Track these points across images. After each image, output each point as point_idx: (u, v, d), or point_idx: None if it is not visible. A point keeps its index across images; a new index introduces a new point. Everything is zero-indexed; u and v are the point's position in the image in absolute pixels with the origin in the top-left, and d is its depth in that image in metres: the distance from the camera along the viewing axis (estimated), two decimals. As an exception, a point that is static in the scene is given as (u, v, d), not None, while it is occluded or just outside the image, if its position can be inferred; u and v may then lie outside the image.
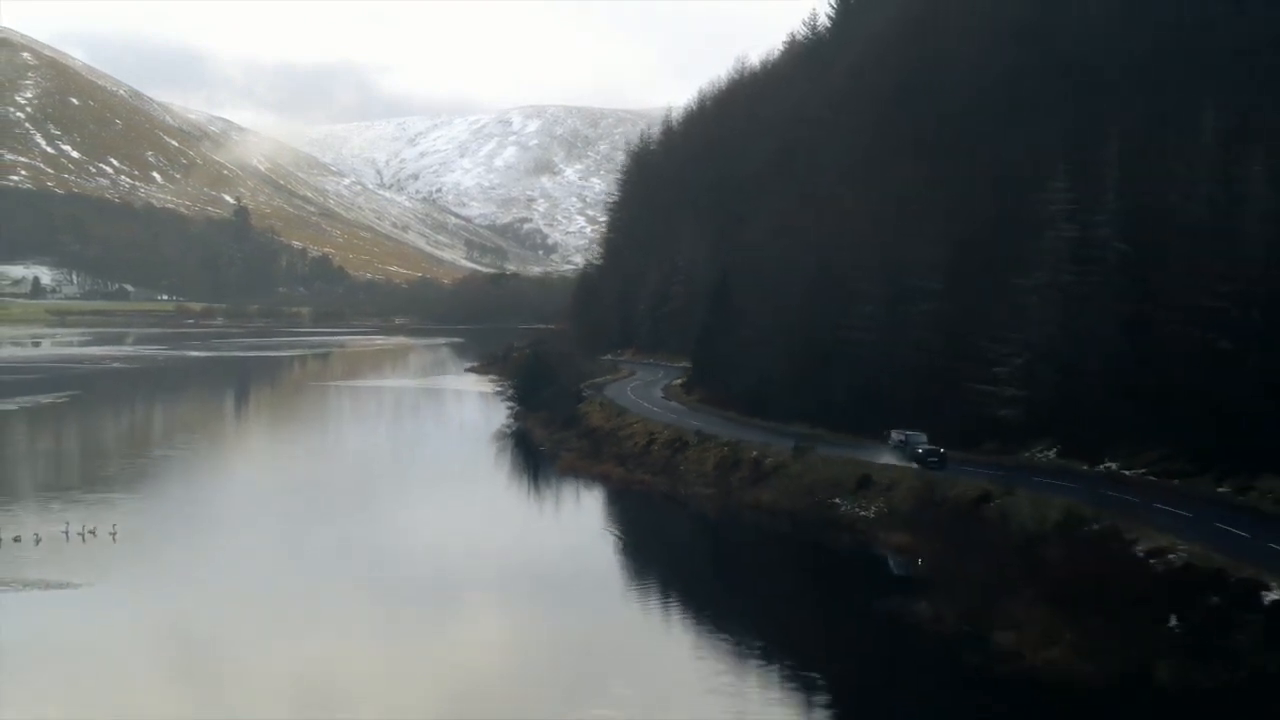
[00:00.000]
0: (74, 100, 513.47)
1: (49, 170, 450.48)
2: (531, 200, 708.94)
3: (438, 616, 42.26)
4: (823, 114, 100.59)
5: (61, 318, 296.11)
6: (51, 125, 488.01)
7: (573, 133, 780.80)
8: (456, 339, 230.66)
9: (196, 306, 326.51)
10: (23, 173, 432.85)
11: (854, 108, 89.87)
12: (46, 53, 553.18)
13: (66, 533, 50.16)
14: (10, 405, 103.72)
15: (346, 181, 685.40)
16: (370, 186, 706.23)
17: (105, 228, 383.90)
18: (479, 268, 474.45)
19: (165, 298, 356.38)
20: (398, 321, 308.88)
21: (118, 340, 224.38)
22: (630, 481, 65.53)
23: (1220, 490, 49.11)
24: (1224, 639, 32.07)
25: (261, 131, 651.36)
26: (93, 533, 50.27)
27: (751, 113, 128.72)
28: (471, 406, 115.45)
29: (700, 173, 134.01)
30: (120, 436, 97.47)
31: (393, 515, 62.08)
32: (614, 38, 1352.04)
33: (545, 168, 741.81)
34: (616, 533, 59.18)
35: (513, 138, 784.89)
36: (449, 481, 74.55)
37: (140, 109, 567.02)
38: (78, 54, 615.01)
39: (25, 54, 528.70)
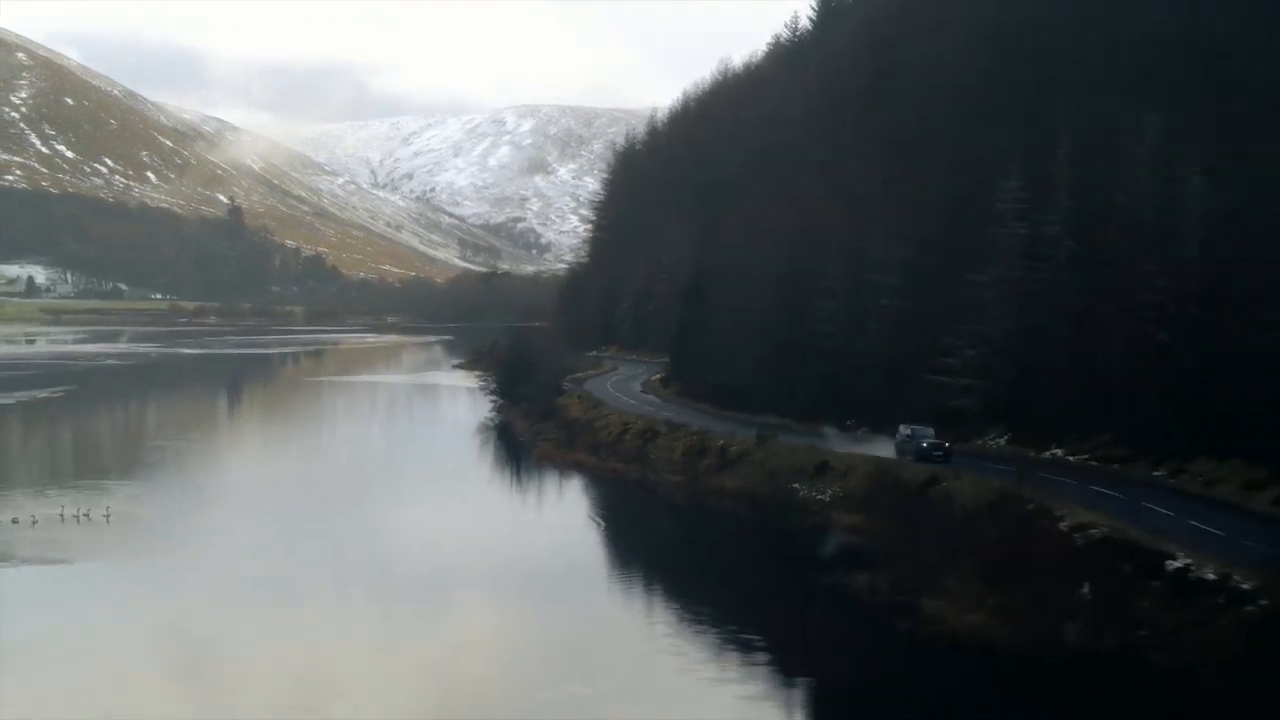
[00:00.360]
0: (69, 100, 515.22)
1: (44, 170, 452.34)
2: (525, 200, 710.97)
3: (405, 590, 44.94)
4: (798, 116, 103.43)
5: (56, 316, 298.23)
6: (46, 125, 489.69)
7: (566, 132, 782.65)
8: (447, 337, 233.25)
9: (190, 305, 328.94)
10: (18, 172, 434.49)
11: (825, 110, 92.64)
12: (41, 53, 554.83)
13: (62, 515, 52.86)
14: (7, 399, 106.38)
15: (340, 181, 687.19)
16: (364, 186, 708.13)
17: (100, 227, 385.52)
18: (473, 267, 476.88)
19: (159, 296, 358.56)
20: (390, 320, 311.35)
21: (112, 338, 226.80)
22: (602, 469, 68.44)
23: (1155, 474, 51.90)
24: (1127, 603, 34.82)
25: (256, 131, 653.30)
26: (87, 515, 52.97)
27: (733, 114, 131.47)
28: (456, 401, 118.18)
29: (683, 173, 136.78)
30: (114, 429, 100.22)
31: (373, 497, 65.32)
32: (608, 37, 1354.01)
33: (539, 167, 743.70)
34: (585, 516, 62.13)
35: (506, 137, 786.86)
36: (430, 470, 77.86)
37: (135, 109, 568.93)
38: (72, 54, 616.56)
39: (20, 54, 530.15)
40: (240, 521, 57.26)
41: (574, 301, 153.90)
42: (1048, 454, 57.57)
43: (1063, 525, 41.83)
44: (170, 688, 34.18)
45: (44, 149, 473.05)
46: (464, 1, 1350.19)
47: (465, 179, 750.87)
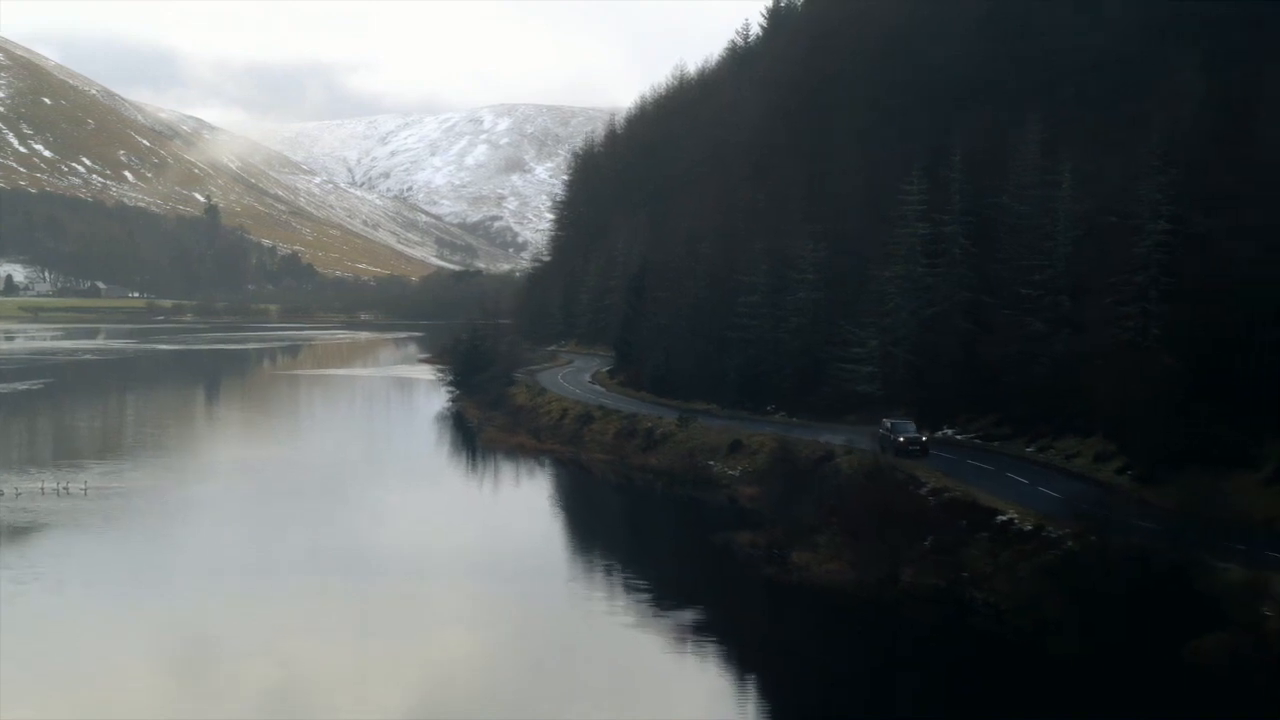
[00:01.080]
0: (46, 100, 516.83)
1: (21, 169, 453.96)
2: (502, 198, 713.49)
3: (346, 543, 50.79)
4: (741, 121, 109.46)
5: (34, 314, 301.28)
6: (24, 125, 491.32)
7: (543, 131, 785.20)
8: (418, 334, 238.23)
9: (166, 303, 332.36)
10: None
11: (762, 116, 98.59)
12: (19, 52, 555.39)
13: (42, 489, 58.45)
14: None
15: (318, 180, 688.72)
16: (342, 185, 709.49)
17: (78, 226, 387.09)
18: (449, 265, 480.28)
19: (137, 295, 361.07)
20: (364, 318, 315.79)
21: (89, 335, 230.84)
22: (541, 450, 74.32)
23: (1028, 450, 57.84)
24: (957, 551, 40.73)
25: (233, 130, 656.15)
26: (66, 489, 58.54)
27: (685, 118, 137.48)
28: (416, 392, 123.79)
29: (639, 174, 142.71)
30: (91, 416, 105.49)
31: (329, 472, 72.37)
32: (586, 36, 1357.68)
33: (516, 166, 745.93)
34: (519, 491, 68.23)
35: (483, 136, 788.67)
36: (383, 450, 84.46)
37: (112, 108, 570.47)
38: (49, 52, 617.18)
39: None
40: (208, 493, 63.52)
41: (536, 298, 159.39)
42: (940, 433, 63.38)
43: (923, 490, 47.75)
44: (128, 625, 39.70)
45: (21, 148, 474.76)
46: (440, 1, 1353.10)
47: (442, 178, 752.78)
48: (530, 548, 52.67)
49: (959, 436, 62.85)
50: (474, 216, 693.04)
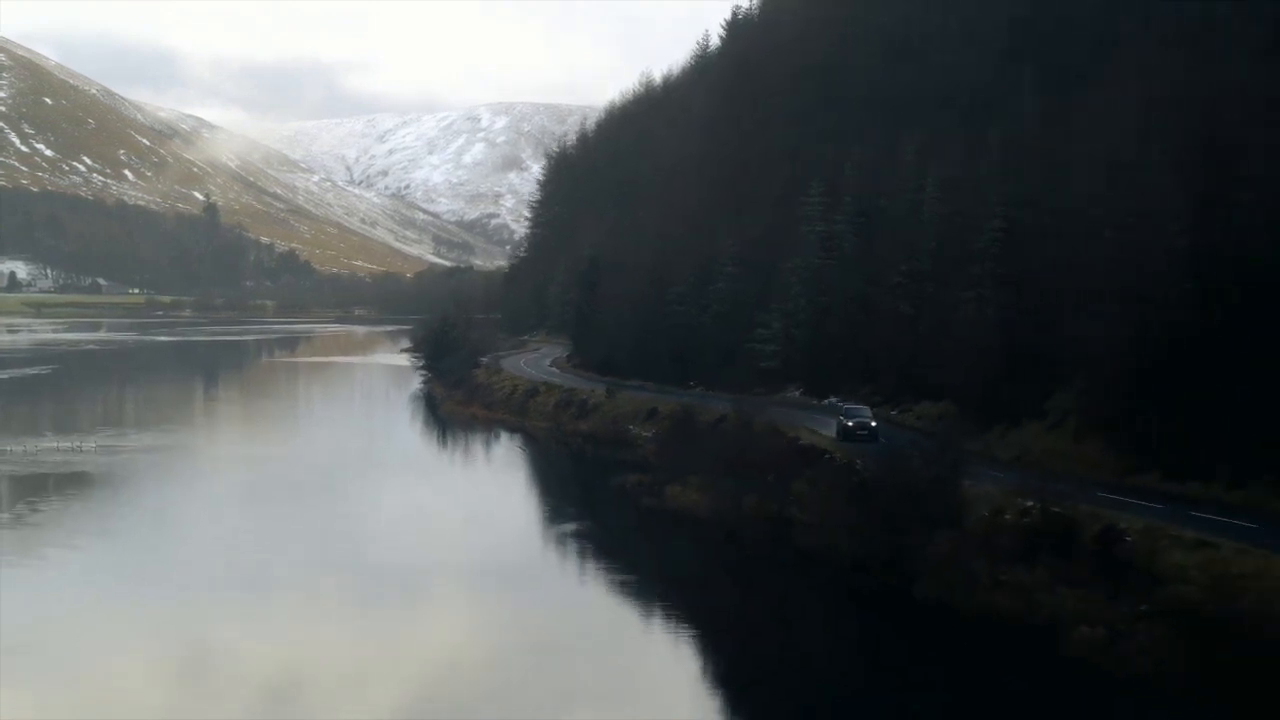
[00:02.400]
0: (48, 100, 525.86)
1: (23, 168, 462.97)
2: (499, 196, 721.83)
3: (315, 486, 61.55)
4: (690, 128, 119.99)
5: (37, 309, 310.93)
6: (26, 124, 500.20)
7: (540, 129, 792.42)
8: (408, 327, 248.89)
9: (166, 299, 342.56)
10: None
11: (702, 126, 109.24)
12: (20, 53, 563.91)
13: (57, 448, 69.07)
14: (6, 375, 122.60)
15: (316, 178, 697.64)
16: (340, 183, 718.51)
17: (79, 224, 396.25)
18: (446, 262, 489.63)
19: (137, 291, 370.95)
20: (358, 312, 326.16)
21: (91, 328, 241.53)
22: (491, 419, 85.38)
23: (892, 413, 68.29)
24: (789, 483, 51.23)
25: (232, 129, 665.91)
26: (79, 448, 69.27)
27: (647, 124, 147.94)
28: (394, 375, 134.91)
29: (606, 176, 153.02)
30: (97, 393, 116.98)
31: (306, 435, 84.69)
32: (581, 35, 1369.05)
33: (513, 164, 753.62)
34: (466, 450, 79.52)
35: (481, 134, 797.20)
36: (357, 419, 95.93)
37: (112, 108, 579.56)
38: (47, 51, 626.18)
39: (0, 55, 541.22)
40: (201, 447, 74.76)
41: (513, 293, 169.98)
42: (826, 401, 73.92)
43: (786, 439, 58.26)
44: (122, 551, 50.21)
45: (23, 148, 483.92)
46: (437, 1, 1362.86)
47: (440, 176, 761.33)
48: (469, 492, 63.68)
49: (840, 403, 73.23)
50: (471, 214, 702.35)
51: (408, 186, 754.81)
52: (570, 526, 53.69)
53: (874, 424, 58.48)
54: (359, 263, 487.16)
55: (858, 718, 30.46)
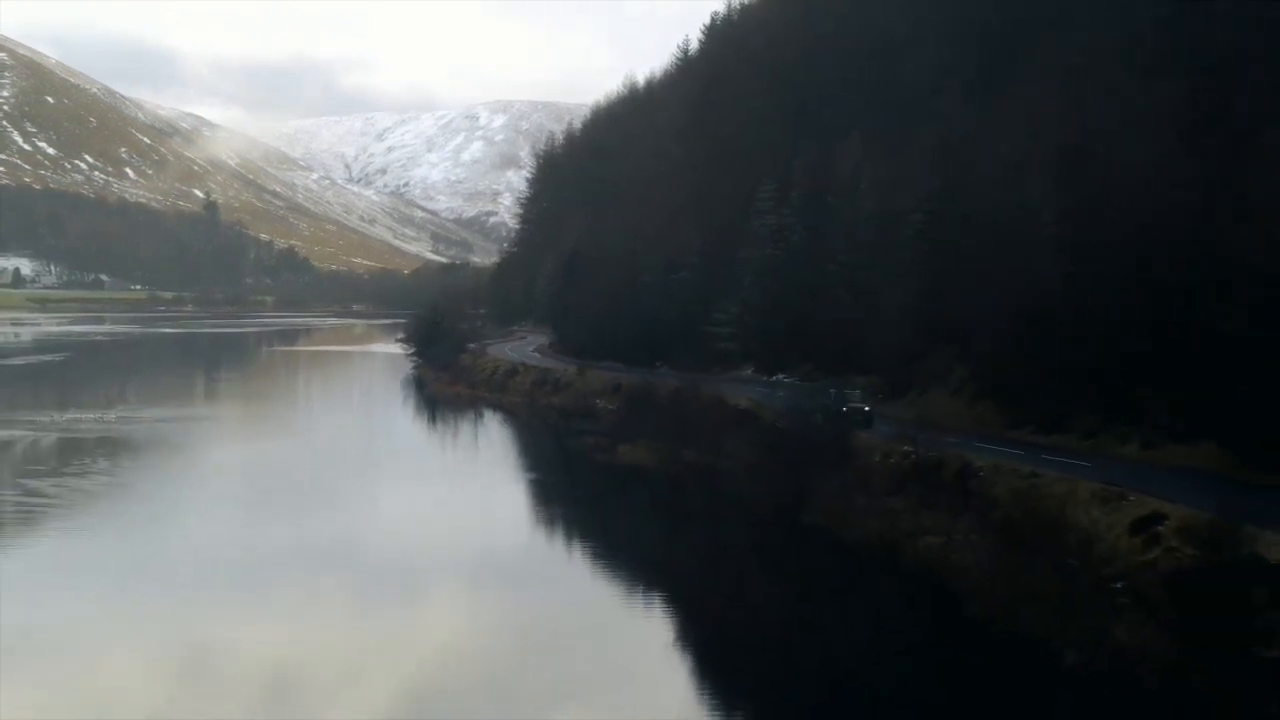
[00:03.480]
0: (49, 99, 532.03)
1: (26, 167, 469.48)
2: (497, 194, 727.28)
3: (314, 453, 69.64)
4: (667, 130, 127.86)
5: (42, 305, 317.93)
6: (28, 123, 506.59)
7: (538, 128, 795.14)
8: (404, 320, 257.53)
9: (168, 295, 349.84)
10: (1, 169, 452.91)
11: (671, 128, 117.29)
12: (22, 52, 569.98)
13: (80, 419, 77.26)
14: (19, 361, 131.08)
15: (315, 176, 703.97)
16: (339, 181, 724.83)
17: (81, 222, 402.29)
18: (444, 259, 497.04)
19: (138, 287, 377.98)
20: (355, 307, 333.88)
21: (96, 322, 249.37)
22: (474, 396, 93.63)
23: (831, 390, 76.19)
24: (720, 438, 59.23)
25: (232, 127, 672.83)
26: (104, 418, 77.49)
27: (630, 124, 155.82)
28: (388, 361, 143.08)
29: (591, 174, 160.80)
30: (111, 376, 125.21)
31: (305, 408, 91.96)
32: (578, 33, 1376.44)
33: (511, 162, 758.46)
34: (450, 423, 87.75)
35: (479, 133, 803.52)
36: (352, 399, 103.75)
37: (113, 106, 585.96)
38: (47, 49, 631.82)
39: (1, 54, 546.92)
40: (212, 419, 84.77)
41: (504, 286, 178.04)
42: (774, 378, 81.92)
43: (724, 405, 66.28)
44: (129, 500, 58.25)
45: (26, 146, 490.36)
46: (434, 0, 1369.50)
47: (439, 174, 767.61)
48: (447, 450, 72.08)
49: (785, 379, 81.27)
50: (470, 212, 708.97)
51: (406, 184, 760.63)
52: (533, 476, 62.78)
53: (868, 408, 57.66)
54: (357, 260, 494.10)
55: (752, 613, 38.16)
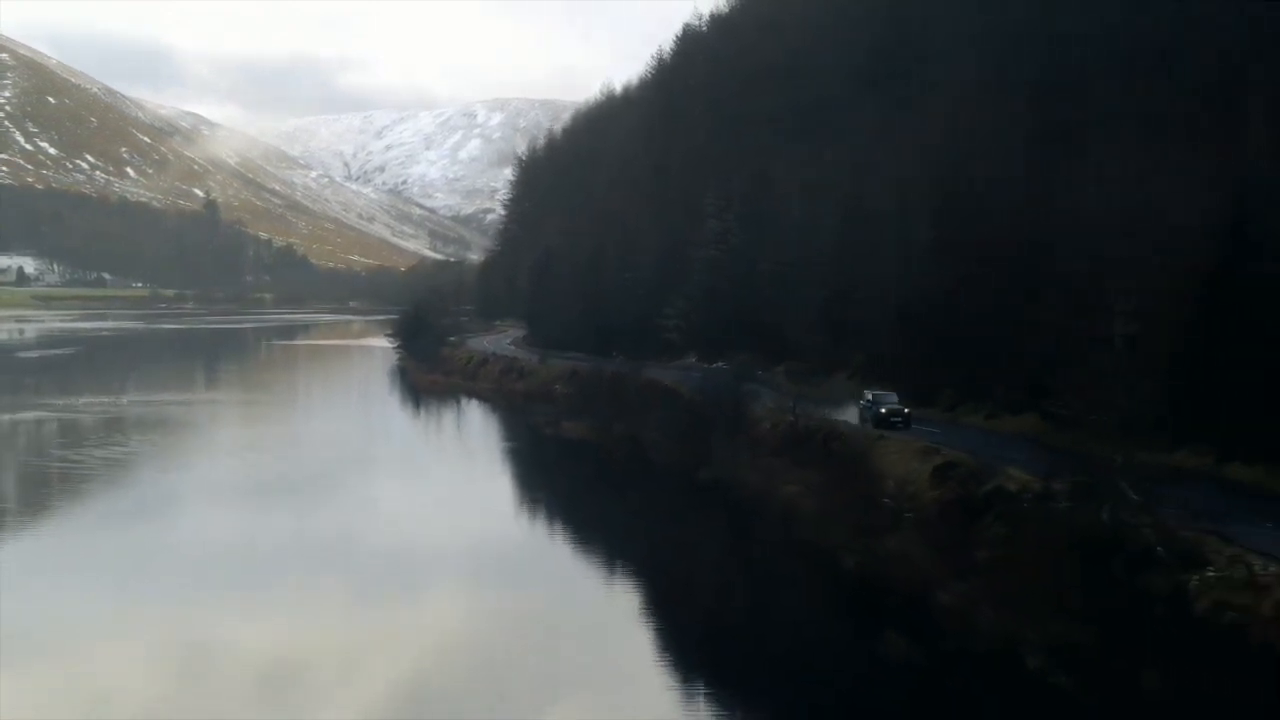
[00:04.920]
0: (50, 99, 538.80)
1: (28, 166, 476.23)
2: (495, 191, 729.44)
3: (303, 424, 79.39)
4: (638, 139, 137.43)
5: (46, 303, 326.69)
6: (30, 123, 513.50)
7: (536, 125, 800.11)
8: (397, 317, 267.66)
9: (168, 292, 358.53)
10: (3, 169, 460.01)
11: (636, 135, 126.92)
12: (23, 52, 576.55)
13: (94, 403, 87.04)
14: (32, 354, 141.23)
15: (314, 174, 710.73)
16: (338, 179, 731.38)
17: (83, 221, 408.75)
18: (440, 257, 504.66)
19: (140, 285, 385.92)
20: (352, 304, 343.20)
21: (100, 318, 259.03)
22: (448, 384, 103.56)
23: (758, 373, 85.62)
24: (648, 412, 68.81)
25: (231, 126, 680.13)
26: (117, 401, 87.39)
27: (606, 129, 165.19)
28: (376, 354, 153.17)
29: (569, 176, 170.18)
30: (119, 365, 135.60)
31: (298, 392, 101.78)
32: (576, 32, 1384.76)
33: (509, 160, 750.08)
34: (423, 404, 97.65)
35: (477, 130, 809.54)
36: (339, 385, 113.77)
37: (114, 106, 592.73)
38: (46, 49, 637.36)
39: (3, 54, 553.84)
40: (214, 401, 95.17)
41: (488, 283, 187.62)
42: (715, 365, 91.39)
43: (657, 386, 75.89)
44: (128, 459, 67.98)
45: (28, 146, 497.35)
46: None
47: (436, 171, 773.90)
48: (418, 424, 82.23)
49: (724, 366, 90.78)
50: (467, 209, 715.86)
51: (405, 182, 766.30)
52: (485, 447, 73.13)
53: (907, 410, 56.30)
54: (355, 257, 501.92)
55: (644, 540, 47.76)
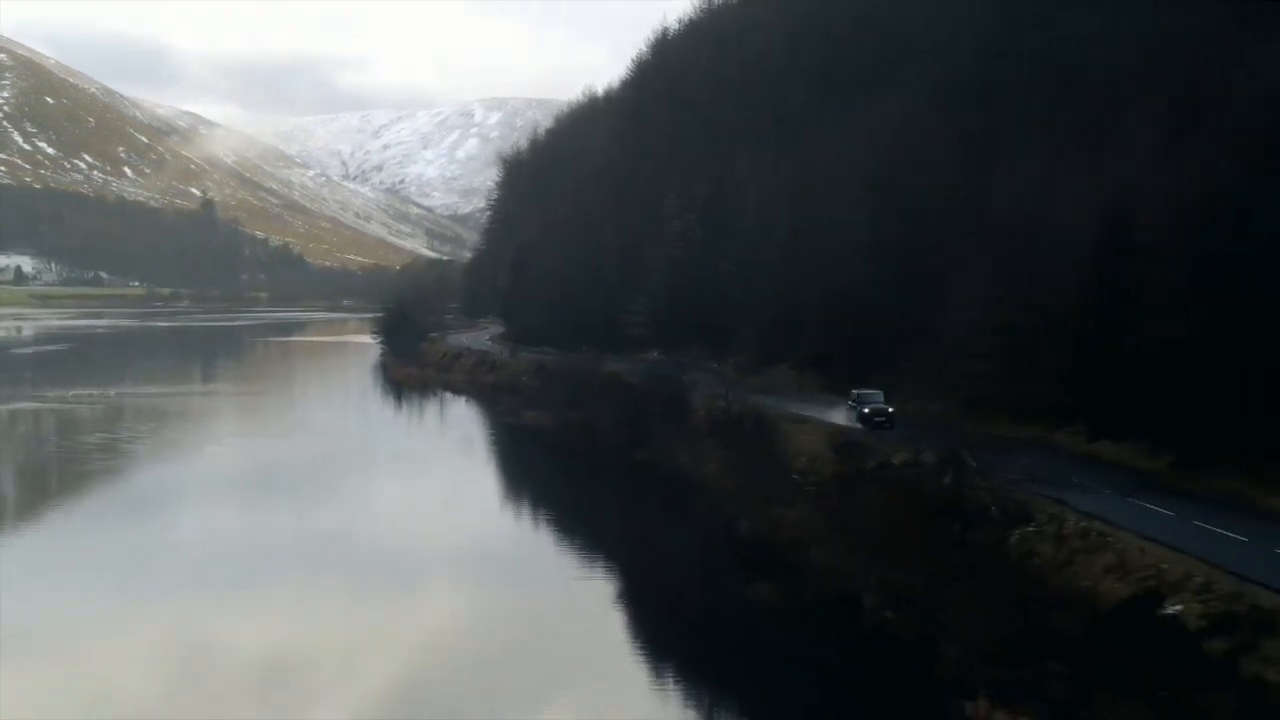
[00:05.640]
0: (49, 99, 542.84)
1: (27, 166, 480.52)
2: (492, 190, 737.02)
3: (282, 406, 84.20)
4: (611, 142, 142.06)
5: (43, 301, 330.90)
6: (28, 124, 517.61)
7: (533, 124, 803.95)
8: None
9: (165, 291, 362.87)
10: (2, 169, 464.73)
11: (609, 139, 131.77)
12: (21, 53, 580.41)
13: (83, 395, 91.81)
14: (27, 350, 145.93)
15: (311, 173, 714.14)
16: (335, 178, 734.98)
17: (81, 220, 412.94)
18: (437, 255, 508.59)
19: (136, 284, 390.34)
20: (345, 302, 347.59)
21: (96, 316, 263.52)
22: (423, 376, 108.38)
23: (712, 365, 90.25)
24: (604, 402, 73.40)
25: (229, 125, 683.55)
26: (106, 393, 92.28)
27: (586, 131, 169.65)
28: (360, 349, 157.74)
29: (549, 178, 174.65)
30: (112, 360, 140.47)
31: (281, 383, 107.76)
32: (572, 31, 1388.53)
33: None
34: (399, 393, 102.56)
35: (474, 129, 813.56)
36: (323, 375, 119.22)
37: (111, 106, 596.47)
38: (44, 48, 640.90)
39: (2, 55, 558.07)
40: (195, 395, 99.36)
41: (472, 281, 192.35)
42: (674, 359, 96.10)
43: (618, 377, 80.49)
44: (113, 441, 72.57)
45: (26, 146, 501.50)
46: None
47: (434, 170, 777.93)
48: (392, 413, 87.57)
49: (682, 359, 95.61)
50: (465, 208, 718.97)
51: (402, 181, 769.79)
52: (455, 431, 77.57)
53: (891, 409, 55.20)
54: (351, 256, 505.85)
55: (581, 508, 52.49)
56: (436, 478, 62.01)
